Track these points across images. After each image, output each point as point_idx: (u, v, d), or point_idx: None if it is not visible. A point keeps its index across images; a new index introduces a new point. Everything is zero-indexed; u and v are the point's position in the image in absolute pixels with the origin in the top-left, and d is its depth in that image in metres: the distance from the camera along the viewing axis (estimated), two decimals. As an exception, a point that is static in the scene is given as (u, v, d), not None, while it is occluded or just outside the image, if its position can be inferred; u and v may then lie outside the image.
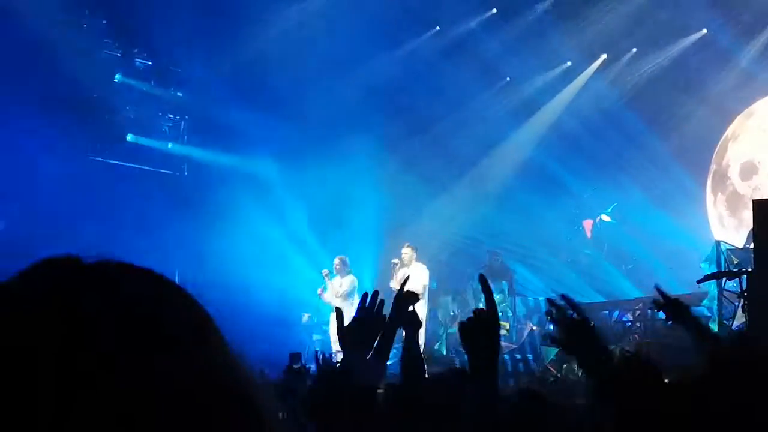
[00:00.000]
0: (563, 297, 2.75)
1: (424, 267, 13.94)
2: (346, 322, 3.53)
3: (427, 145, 18.01)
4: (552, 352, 14.33)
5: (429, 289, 15.10)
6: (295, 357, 5.65)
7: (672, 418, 2.27)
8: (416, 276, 13.56)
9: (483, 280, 3.08)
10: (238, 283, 15.17)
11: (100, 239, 13.52)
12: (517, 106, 18.57)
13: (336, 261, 14.00)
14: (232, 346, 1.01)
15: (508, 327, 16.03)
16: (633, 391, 2.42)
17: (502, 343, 14.82)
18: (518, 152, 18.74)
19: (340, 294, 13.62)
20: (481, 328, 2.89)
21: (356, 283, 13.90)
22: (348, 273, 13.93)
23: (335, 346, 13.19)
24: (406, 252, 13.93)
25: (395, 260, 14.15)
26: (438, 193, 18.42)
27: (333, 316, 13.89)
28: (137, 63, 16.71)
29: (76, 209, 14.21)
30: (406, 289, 3.82)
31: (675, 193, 17.91)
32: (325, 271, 13.97)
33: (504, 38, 17.49)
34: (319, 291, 14.15)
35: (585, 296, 17.89)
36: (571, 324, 2.79)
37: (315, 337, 15.46)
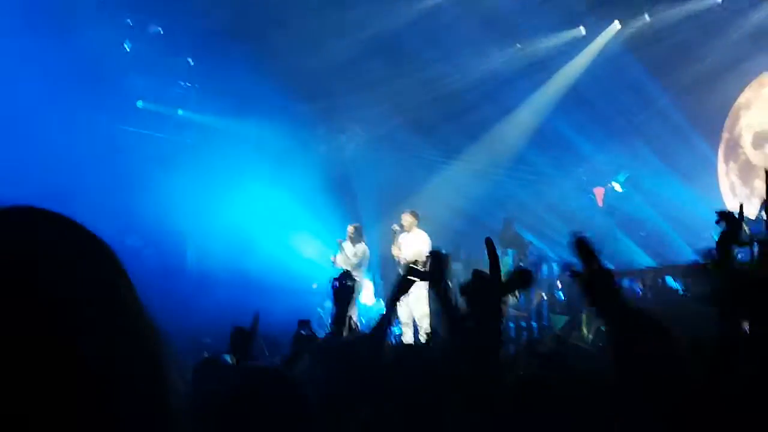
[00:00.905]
0: (580, 241, 2.64)
1: (425, 234, 13.85)
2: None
3: (440, 110, 17.90)
4: (561, 320, 14.36)
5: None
6: (304, 323, 5.65)
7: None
8: (413, 242, 13.57)
9: (489, 244, 3.04)
10: (247, 251, 15.21)
11: (112, 204, 13.58)
12: (532, 72, 18.40)
13: (350, 228, 13.96)
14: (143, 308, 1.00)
15: (518, 295, 16.04)
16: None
17: (511, 310, 14.92)
18: (532, 118, 18.64)
19: (353, 262, 13.60)
20: (481, 291, 2.86)
21: (368, 252, 13.92)
22: (361, 241, 13.90)
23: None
24: (406, 218, 13.86)
25: (395, 227, 14.07)
26: (451, 159, 18.35)
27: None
28: (149, 30, 16.66)
29: (88, 175, 14.25)
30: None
31: (690, 160, 17.77)
32: (341, 240, 13.96)
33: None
34: (332, 258, 14.12)
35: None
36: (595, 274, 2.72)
37: (326, 304, 15.45)
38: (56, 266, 0.95)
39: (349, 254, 13.76)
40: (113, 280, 0.99)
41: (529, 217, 17.91)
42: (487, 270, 3.04)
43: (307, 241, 16.84)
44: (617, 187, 18.75)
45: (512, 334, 14.63)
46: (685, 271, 14.73)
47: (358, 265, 13.66)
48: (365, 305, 15.31)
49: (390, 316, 4.02)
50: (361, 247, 13.85)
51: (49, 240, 0.98)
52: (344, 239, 14.01)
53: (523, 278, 3.76)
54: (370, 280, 14.91)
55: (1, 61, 13.23)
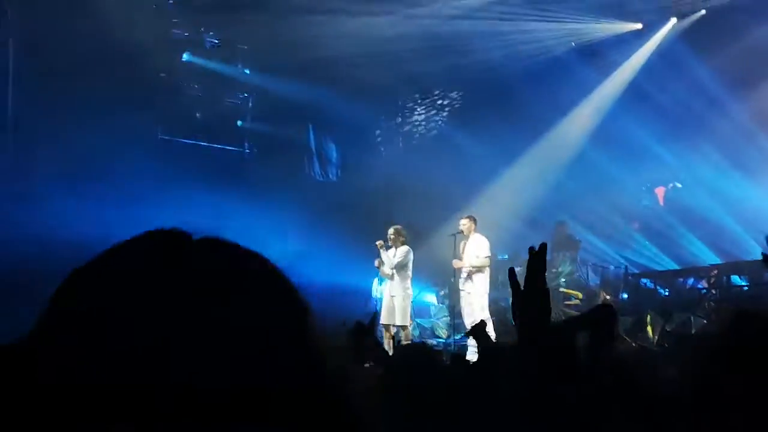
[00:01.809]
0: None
1: (483, 238, 13.73)
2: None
3: (497, 111, 17.82)
4: (627, 320, 14.19)
5: (499, 260, 14.95)
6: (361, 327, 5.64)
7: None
8: (473, 247, 13.48)
9: (532, 253, 2.94)
10: (299, 257, 15.26)
11: (172, 216, 13.72)
12: (590, 71, 18.25)
13: (390, 231, 13.71)
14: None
15: (581, 296, 15.92)
16: None
17: (572, 312, 14.77)
18: (592, 116, 18.48)
19: (395, 264, 13.48)
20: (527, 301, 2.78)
21: (411, 254, 13.70)
22: (402, 243, 13.70)
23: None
24: (464, 223, 13.74)
25: (455, 232, 13.96)
26: (511, 161, 18.23)
27: (375, 285, 13.86)
28: (206, 42, 16.87)
29: (148, 187, 14.45)
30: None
31: (755, 156, 17.43)
32: (379, 243, 13.72)
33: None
34: (376, 263, 13.94)
35: (659, 263, 17.70)
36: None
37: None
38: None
39: (390, 256, 13.57)
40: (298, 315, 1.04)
41: (591, 218, 17.70)
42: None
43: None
44: (678, 185, 18.51)
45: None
46: (750, 268, 14.51)
47: (402, 266, 13.52)
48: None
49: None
50: (403, 248, 13.63)
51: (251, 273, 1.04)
52: (386, 241, 13.79)
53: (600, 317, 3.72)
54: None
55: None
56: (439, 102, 18.83)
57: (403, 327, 13.35)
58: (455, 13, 16.55)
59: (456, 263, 13.53)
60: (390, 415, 3.46)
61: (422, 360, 3.72)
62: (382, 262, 13.50)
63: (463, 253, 13.58)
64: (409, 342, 12.86)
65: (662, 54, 18.07)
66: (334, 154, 18.41)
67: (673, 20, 18.01)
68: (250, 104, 17.66)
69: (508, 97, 17.83)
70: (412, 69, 17.31)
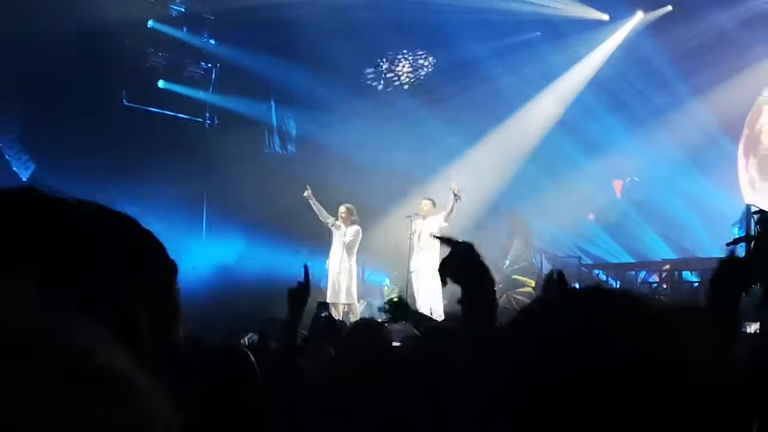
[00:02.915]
0: None
1: (439, 217, 13.75)
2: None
3: (462, 93, 17.85)
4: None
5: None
6: (323, 306, 5.68)
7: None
8: (429, 228, 13.52)
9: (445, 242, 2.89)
10: (258, 233, 15.21)
11: (131, 186, 13.64)
12: (554, 60, 18.31)
13: (342, 209, 13.74)
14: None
15: (533, 284, 16.04)
16: None
17: (522, 299, 14.87)
18: (556, 104, 18.55)
19: (345, 242, 13.52)
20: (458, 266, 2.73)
21: (360, 233, 13.76)
22: (353, 222, 13.72)
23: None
24: (426, 204, 13.79)
25: (410, 214, 13.97)
26: (474, 144, 18.22)
27: (329, 263, 13.84)
28: (171, 9, 16.69)
29: (108, 155, 14.34)
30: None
31: (711, 153, 17.64)
32: (331, 220, 13.74)
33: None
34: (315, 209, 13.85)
35: (614, 256, 17.88)
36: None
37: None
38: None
39: (340, 234, 13.60)
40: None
41: (547, 206, 17.77)
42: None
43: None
44: (636, 179, 18.68)
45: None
46: (702, 265, 14.72)
47: (351, 246, 13.58)
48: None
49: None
50: (354, 228, 13.68)
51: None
52: (337, 220, 13.78)
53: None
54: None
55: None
56: (404, 78, 18.76)
57: (350, 305, 13.43)
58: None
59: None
60: (342, 389, 3.49)
61: (371, 337, 3.75)
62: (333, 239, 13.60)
63: (418, 235, 13.61)
64: (358, 319, 12.93)
65: (626, 47, 18.21)
66: (294, 129, 18.29)
67: (640, 14, 18.13)
68: (214, 75, 17.51)
69: (475, 77, 17.87)
70: (377, 42, 17.33)
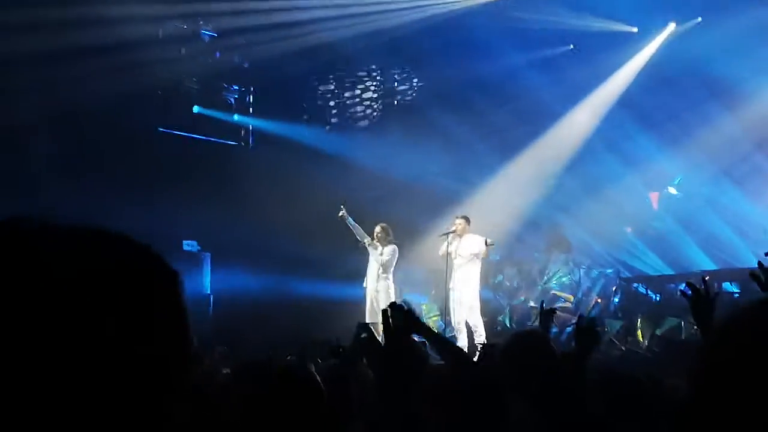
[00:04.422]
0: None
1: (478, 236, 13.75)
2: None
3: (499, 108, 17.82)
4: (617, 324, 14.22)
5: (492, 261, 14.94)
6: (364, 327, 5.67)
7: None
8: (466, 247, 13.51)
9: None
10: (299, 254, 15.22)
11: (167, 210, 13.73)
12: (587, 75, 18.24)
13: (377, 229, 13.78)
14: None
15: (572, 299, 15.95)
16: None
17: (562, 314, 14.83)
18: (591, 116, 18.47)
19: (382, 261, 13.54)
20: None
21: (397, 252, 13.77)
22: (389, 242, 13.75)
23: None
24: (459, 223, 13.78)
25: (444, 232, 13.93)
26: (510, 158, 18.17)
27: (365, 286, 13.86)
28: (203, 34, 16.82)
29: (144, 180, 14.46)
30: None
31: (743, 167, 17.50)
32: (367, 240, 13.79)
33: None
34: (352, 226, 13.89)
35: (652, 268, 17.74)
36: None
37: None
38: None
39: (377, 253, 13.63)
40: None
41: (586, 220, 17.67)
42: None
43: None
44: (672, 191, 18.52)
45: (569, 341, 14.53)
46: (742, 275, 14.55)
47: (388, 265, 13.60)
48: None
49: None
50: (390, 247, 13.70)
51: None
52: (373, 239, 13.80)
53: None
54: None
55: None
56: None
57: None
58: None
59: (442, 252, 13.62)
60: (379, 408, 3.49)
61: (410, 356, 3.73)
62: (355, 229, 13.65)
63: (455, 252, 13.60)
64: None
65: (659, 59, 18.11)
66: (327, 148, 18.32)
67: (672, 25, 18.02)
68: (249, 98, 17.63)
69: (511, 91, 17.95)
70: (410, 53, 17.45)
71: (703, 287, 2.21)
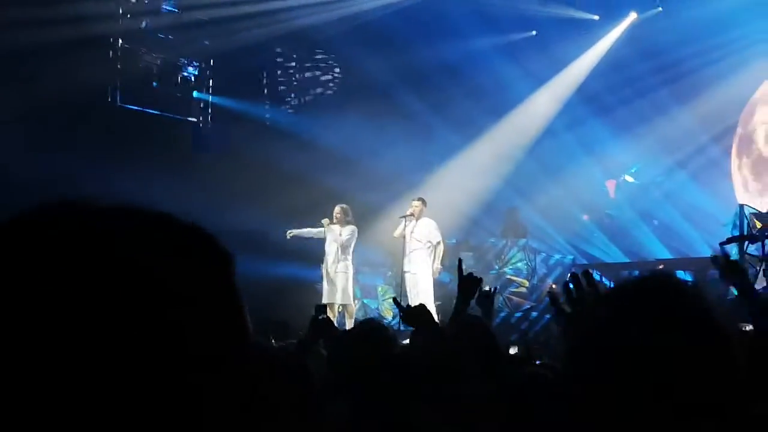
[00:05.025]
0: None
1: (432, 222, 13.77)
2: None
3: (461, 91, 17.84)
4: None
5: (448, 245, 14.98)
6: (321, 309, 5.68)
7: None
8: (422, 231, 13.54)
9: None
10: (256, 231, 15.15)
11: (127, 185, 13.59)
12: (548, 61, 18.30)
13: (336, 209, 13.70)
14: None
15: (527, 284, 16.05)
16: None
17: (516, 299, 14.91)
18: (552, 102, 18.55)
19: (341, 242, 13.49)
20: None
21: (356, 233, 13.74)
22: (348, 222, 13.70)
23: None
24: (416, 205, 13.78)
25: (403, 215, 13.94)
26: (470, 141, 18.19)
27: (324, 267, 13.81)
28: (163, 9, 16.64)
29: (100, 155, 14.29)
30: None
31: (700, 159, 17.72)
32: (325, 221, 13.70)
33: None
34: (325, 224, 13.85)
35: (608, 255, 17.91)
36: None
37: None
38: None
39: (335, 233, 13.57)
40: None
41: (543, 205, 17.77)
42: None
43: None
44: (629, 179, 18.71)
45: (511, 321, 14.68)
46: (696, 264, 14.75)
47: (347, 246, 13.57)
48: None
49: None
50: (349, 227, 13.64)
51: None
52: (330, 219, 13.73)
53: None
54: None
55: None
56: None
57: (346, 305, 13.41)
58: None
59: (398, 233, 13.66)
60: (337, 390, 3.50)
61: (369, 339, 3.75)
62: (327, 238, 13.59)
63: (410, 235, 13.62)
64: (352, 320, 12.96)
65: (618, 47, 18.24)
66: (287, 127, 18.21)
67: (633, 15, 18.14)
68: (208, 75, 17.50)
69: (473, 74, 17.97)
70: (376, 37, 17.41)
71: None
